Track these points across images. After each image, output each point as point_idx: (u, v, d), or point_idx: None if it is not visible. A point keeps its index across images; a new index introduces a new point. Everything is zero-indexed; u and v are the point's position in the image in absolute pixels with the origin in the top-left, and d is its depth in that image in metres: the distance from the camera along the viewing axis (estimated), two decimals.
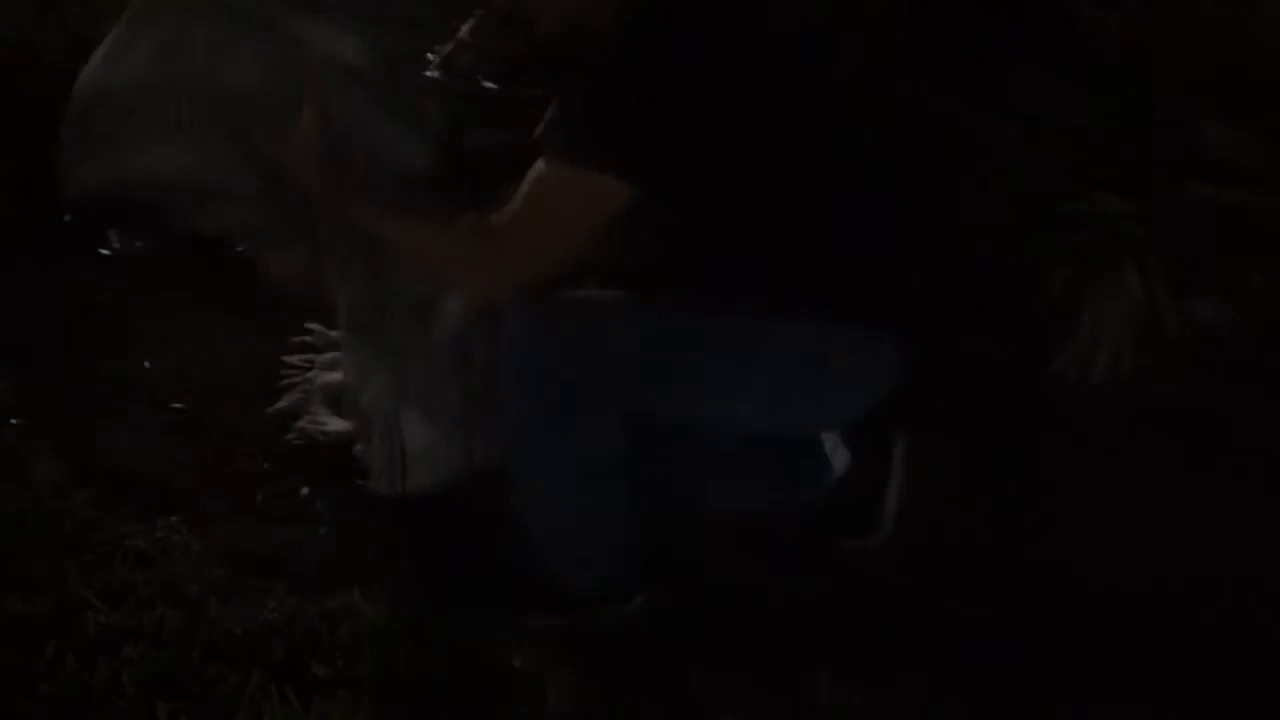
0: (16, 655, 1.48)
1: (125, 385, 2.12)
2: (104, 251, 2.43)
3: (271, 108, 1.61)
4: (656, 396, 1.49)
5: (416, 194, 1.61)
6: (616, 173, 1.36)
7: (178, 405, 2.08)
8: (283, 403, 2.04)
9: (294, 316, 2.32)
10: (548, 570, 1.57)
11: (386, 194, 1.55)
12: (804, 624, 1.67)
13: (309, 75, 1.59)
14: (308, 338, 2.11)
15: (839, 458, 1.74)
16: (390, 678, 1.51)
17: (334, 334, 1.95)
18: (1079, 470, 2.00)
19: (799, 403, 1.53)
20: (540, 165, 1.38)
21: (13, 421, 1.89)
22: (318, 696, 1.47)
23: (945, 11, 2.15)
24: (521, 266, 1.43)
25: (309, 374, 2.05)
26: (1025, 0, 2.25)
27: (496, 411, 1.54)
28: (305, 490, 1.94)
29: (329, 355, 2.01)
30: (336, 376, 1.95)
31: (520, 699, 1.50)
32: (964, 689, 1.59)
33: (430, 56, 1.78)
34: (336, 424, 1.97)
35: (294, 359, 2.10)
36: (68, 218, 2.44)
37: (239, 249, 2.46)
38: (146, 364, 2.17)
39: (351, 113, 1.63)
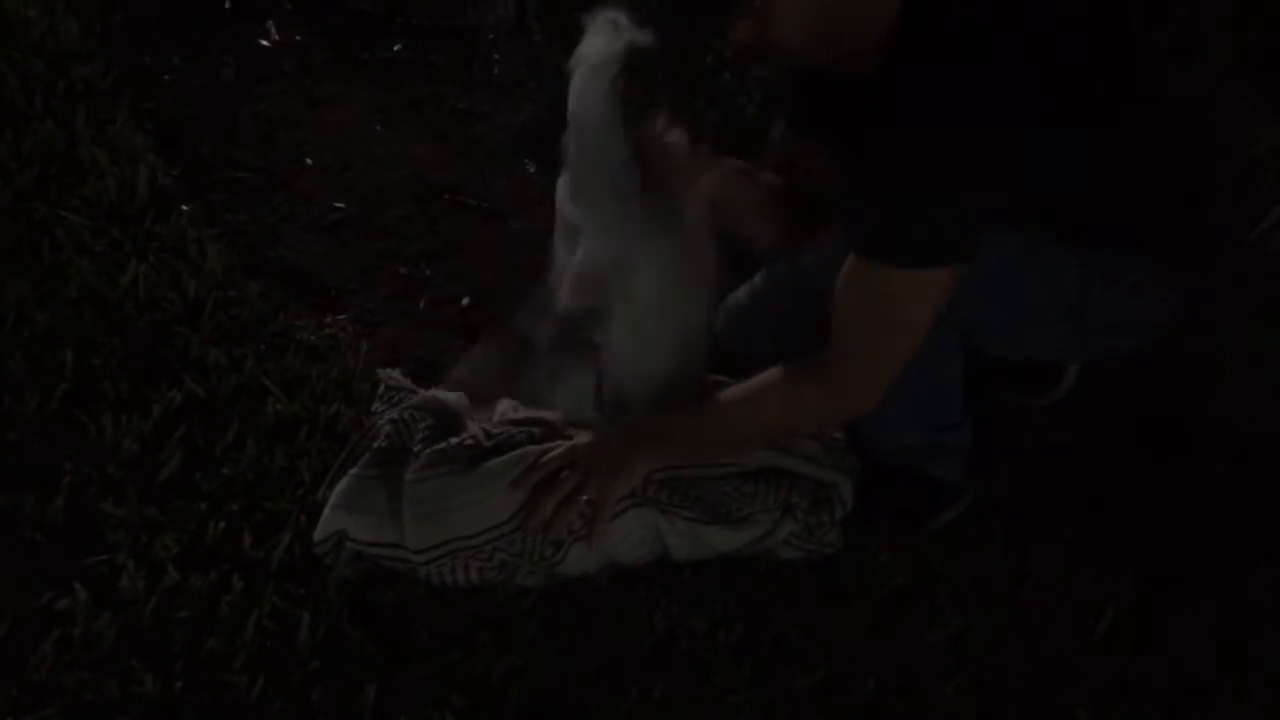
0: (199, 437, 1.50)
1: (286, 182, 2.10)
2: (263, 42, 2.38)
3: None
4: (983, 330, 1.43)
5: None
6: (967, 258, 1.23)
7: (339, 205, 2.06)
8: None
9: (456, 126, 2.28)
10: (931, 473, 1.56)
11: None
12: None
13: None
14: None
15: None
16: None
17: None
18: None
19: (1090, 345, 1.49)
20: (870, 271, 1.24)
21: (183, 208, 1.88)
22: None
23: None
24: (888, 377, 1.32)
25: None
26: None
27: None
28: (466, 301, 1.93)
29: None
30: None
31: None
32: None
33: None
34: None
35: None
36: (229, 3, 2.42)
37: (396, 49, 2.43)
38: (309, 161, 2.14)
39: None
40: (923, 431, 1.52)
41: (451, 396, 1.52)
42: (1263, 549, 1.57)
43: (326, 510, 1.37)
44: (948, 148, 1.16)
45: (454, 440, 1.40)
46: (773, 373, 1.39)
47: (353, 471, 1.38)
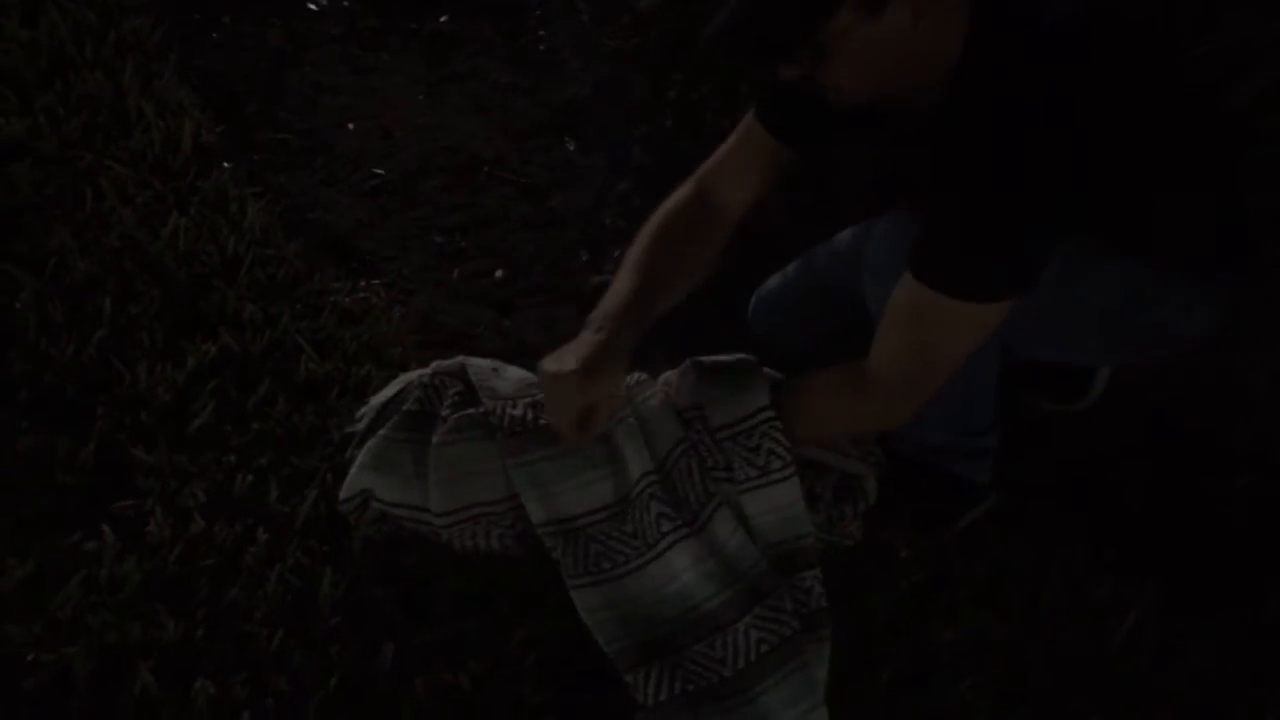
0: (231, 390, 1.51)
1: (328, 146, 2.11)
2: (311, 6, 2.39)
3: None
4: (1024, 335, 1.40)
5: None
6: (1027, 291, 1.22)
7: (379, 172, 2.07)
8: None
9: (499, 100, 2.28)
10: (958, 473, 1.56)
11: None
12: None
13: None
14: None
15: None
16: None
17: None
18: None
19: (1129, 350, 1.48)
20: (923, 295, 1.22)
21: (225, 165, 1.89)
22: None
23: None
24: (926, 396, 1.31)
25: None
26: None
27: None
28: (500, 273, 1.93)
29: None
30: None
31: None
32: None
33: None
34: None
35: None
36: None
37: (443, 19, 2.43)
38: (351, 127, 2.15)
39: None
40: (951, 433, 1.52)
41: (483, 364, 1.52)
42: None
43: (353, 469, 1.38)
44: (1016, 186, 1.13)
45: (481, 407, 1.41)
46: (815, 377, 1.39)
47: (381, 433, 1.39)
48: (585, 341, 1.30)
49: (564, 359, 1.28)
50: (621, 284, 1.38)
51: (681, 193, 1.48)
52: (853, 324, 1.42)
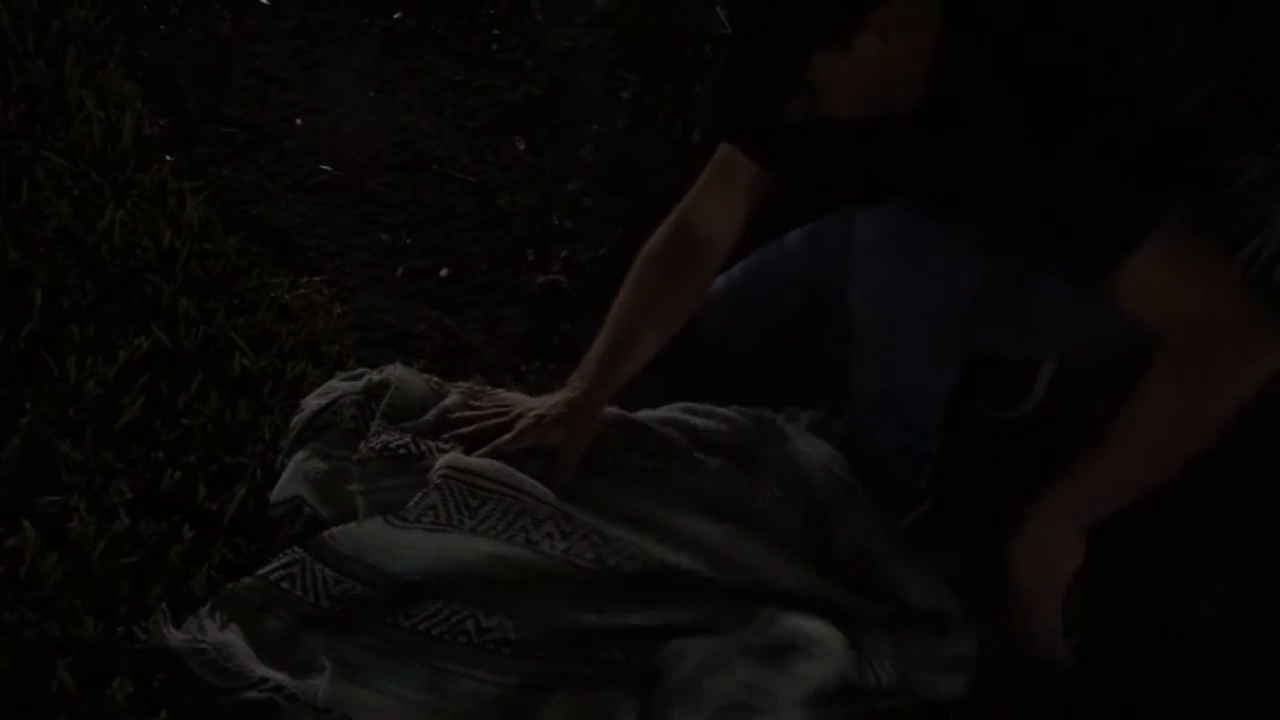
0: (162, 385, 1.50)
1: (273, 140, 2.10)
2: (263, 1, 2.38)
3: None
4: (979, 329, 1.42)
5: None
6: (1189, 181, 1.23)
7: (325, 168, 2.06)
8: None
9: (450, 98, 2.28)
10: (896, 478, 1.57)
11: None
12: None
13: None
14: None
15: None
16: None
17: None
18: None
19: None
20: (1125, 275, 1.19)
21: (167, 158, 1.87)
22: None
23: None
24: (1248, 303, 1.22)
25: None
26: None
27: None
28: (444, 272, 1.92)
29: None
30: None
31: None
32: None
33: None
34: None
35: None
36: None
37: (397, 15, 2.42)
38: (298, 122, 2.13)
39: None
40: (899, 433, 1.53)
41: (415, 375, 1.51)
42: (1214, 567, 1.58)
43: (285, 475, 1.37)
44: (1068, 133, 1.17)
45: (406, 431, 1.40)
46: (1154, 390, 1.28)
47: (315, 445, 1.39)
48: (559, 399, 1.40)
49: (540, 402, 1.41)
50: (598, 345, 1.45)
51: (660, 235, 1.50)
52: (799, 318, 1.43)
